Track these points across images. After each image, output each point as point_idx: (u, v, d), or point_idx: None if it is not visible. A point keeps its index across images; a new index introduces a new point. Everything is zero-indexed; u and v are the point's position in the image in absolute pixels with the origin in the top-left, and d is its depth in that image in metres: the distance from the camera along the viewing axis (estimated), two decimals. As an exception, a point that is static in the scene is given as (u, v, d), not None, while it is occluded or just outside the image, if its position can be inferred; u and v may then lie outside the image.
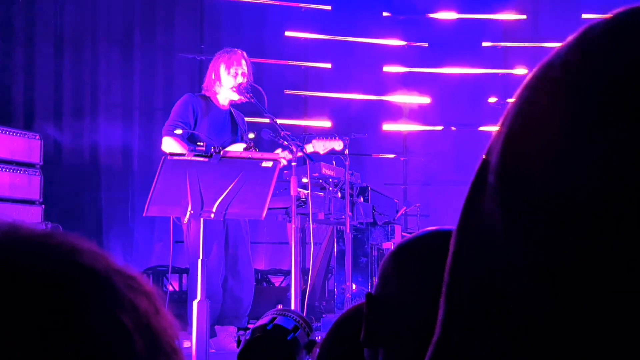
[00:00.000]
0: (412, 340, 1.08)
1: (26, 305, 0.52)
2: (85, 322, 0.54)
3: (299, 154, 4.78)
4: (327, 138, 5.30)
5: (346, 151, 5.39)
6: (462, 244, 0.55)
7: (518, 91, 0.55)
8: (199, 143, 4.85)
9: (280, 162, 3.99)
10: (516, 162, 0.52)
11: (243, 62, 5.13)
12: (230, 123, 5.19)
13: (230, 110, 5.24)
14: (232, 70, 5.08)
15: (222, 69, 5.11)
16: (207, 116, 5.08)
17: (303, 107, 9.09)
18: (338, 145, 5.28)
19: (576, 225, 0.47)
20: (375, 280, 6.24)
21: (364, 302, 1.16)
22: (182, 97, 5.19)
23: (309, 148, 5.20)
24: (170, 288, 7.62)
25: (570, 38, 0.54)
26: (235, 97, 5.15)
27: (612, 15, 0.51)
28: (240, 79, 5.06)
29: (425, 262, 1.12)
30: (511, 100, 0.57)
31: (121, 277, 0.58)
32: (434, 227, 1.23)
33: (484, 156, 0.57)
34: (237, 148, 5.04)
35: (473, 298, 0.52)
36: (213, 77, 5.15)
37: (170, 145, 4.94)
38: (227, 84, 5.10)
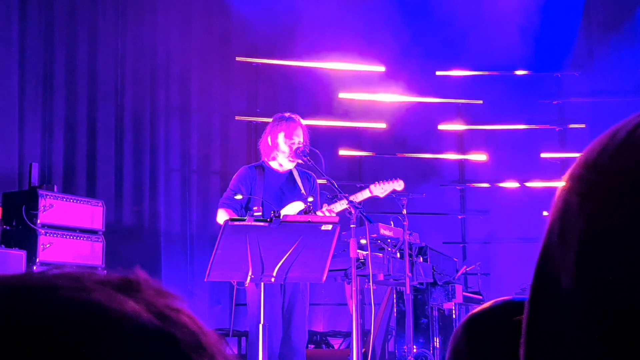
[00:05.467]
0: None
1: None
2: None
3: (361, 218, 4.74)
4: (385, 181, 5.27)
5: (404, 211, 5.37)
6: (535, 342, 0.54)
7: (560, 187, 0.54)
8: (254, 208, 4.89)
9: (339, 226, 3.98)
10: (601, 270, 0.50)
11: (300, 130, 5.16)
12: (291, 184, 5.19)
13: (292, 172, 5.24)
14: (291, 140, 5.12)
15: (281, 137, 5.13)
16: (262, 184, 5.11)
17: (357, 168, 9.12)
18: (398, 185, 5.24)
19: None
20: (437, 341, 6.13)
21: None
22: (238, 171, 5.26)
23: (366, 194, 5.17)
24: (230, 352, 7.61)
25: (601, 137, 0.53)
26: (291, 165, 5.18)
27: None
28: (296, 147, 5.10)
29: (498, 336, 1.10)
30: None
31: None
32: (505, 298, 1.20)
33: (543, 248, 0.55)
34: (294, 207, 5.04)
35: None
36: (270, 143, 5.19)
37: (223, 217, 5.01)
38: (285, 152, 5.15)
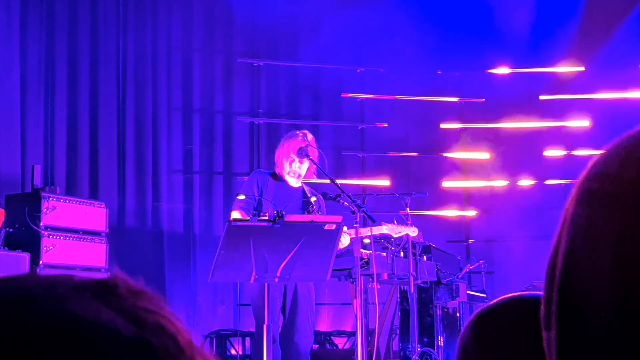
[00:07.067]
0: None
1: None
2: None
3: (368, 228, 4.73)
4: (400, 224, 5.26)
5: (408, 210, 5.35)
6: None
7: (571, 200, 0.54)
8: (261, 214, 4.90)
9: (343, 225, 3.97)
10: (576, 281, 0.51)
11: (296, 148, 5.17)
12: (300, 200, 5.19)
13: (303, 189, 5.27)
14: (288, 158, 5.16)
15: (283, 156, 5.20)
16: (272, 192, 5.13)
17: (360, 167, 9.11)
18: (412, 231, 5.22)
19: None
20: (441, 339, 6.12)
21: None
22: (251, 174, 5.31)
23: (382, 230, 5.16)
24: (234, 352, 7.60)
25: (614, 148, 0.52)
26: (293, 182, 5.20)
27: None
28: (295, 167, 5.13)
29: (507, 333, 1.09)
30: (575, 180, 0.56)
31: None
32: (512, 295, 1.20)
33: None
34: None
35: None
36: (277, 160, 5.25)
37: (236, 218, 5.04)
38: (286, 170, 5.18)
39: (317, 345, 7.80)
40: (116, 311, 0.51)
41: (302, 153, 5.09)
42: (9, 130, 7.18)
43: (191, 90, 8.63)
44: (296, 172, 5.16)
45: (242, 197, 4.99)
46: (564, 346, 0.53)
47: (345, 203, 4.92)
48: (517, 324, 1.10)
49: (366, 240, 4.81)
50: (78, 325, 0.49)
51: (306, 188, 5.27)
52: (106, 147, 7.97)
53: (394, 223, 5.33)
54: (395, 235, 5.14)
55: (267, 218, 3.94)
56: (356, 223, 4.62)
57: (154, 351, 0.50)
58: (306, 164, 5.16)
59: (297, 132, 5.31)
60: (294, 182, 5.22)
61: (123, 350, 0.49)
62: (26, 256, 5.60)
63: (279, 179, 5.22)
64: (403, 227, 5.15)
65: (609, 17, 9.17)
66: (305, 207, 5.15)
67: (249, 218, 3.96)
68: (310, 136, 5.23)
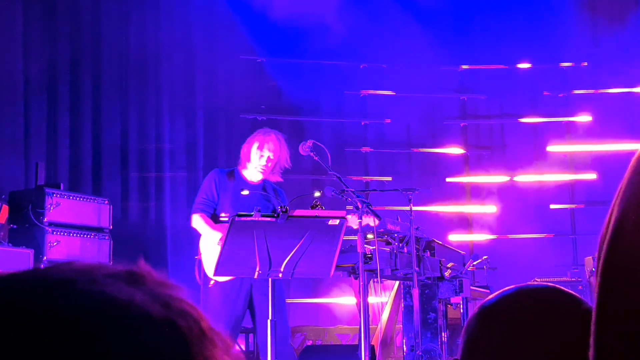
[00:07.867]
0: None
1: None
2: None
3: (368, 218, 4.71)
4: (403, 220, 5.23)
5: (411, 205, 5.35)
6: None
7: (629, 170, 0.55)
8: (222, 214, 4.89)
9: (347, 220, 3.97)
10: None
11: (272, 145, 5.14)
12: (260, 197, 5.17)
13: (264, 185, 5.26)
14: (261, 152, 5.15)
15: (254, 148, 5.18)
16: (230, 191, 5.12)
17: (363, 163, 9.11)
18: (372, 221, 5.15)
19: None
20: (445, 335, 6.12)
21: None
22: (209, 174, 5.29)
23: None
24: (237, 348, 7.62)
25: None
26: (259, 176, 5.20)
27: None
28: (264, 162, 5.12)
29: (513, 323, 1.09)
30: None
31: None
32: (517, 285, 1.20)
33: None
34: None
35: None
36: (244, 152, 5.23)
37: (197, 222, 5.06)
38: (253, 163, 5.17)
39: (320, 341, 7.81)
40: (145, 295, 0.57)
41: (305, 149, 5.08)
42: (13, 127, 7.18)
43: (194, 86, 8.63)
44: (263, 166, 5.13)
45: (245, 192, 4.99)
46: (602, 314, 0.53)
47: (349, 199, 4.92)
48: (521, 315, 1.10)
49: (369, 236, 4.80)
50: (113, 304, 0.55)
51: (270, 185, 5.26)
52: (110, 144, 7.98)
53: (397, 219, 5.34)
54: (354, 227, 5.07)
55: (226, 218, 3.94)
56: (360, 219, 4.61)
57: (181, 331, 0.56)
58: (270, 163, 5.14)
59: (269, 130, 5.29)
60: (254, 177, 5.21)
61: (153, 329, 0.55)
62: (30, 252, 5.62)
63: (236, 175, 5.21)
64: (364, 217, 5.07)
65: (613, 13, 9.15)
66: (267, 204, 5.12)
67: (249, 213, 3.95)
68: (278, 136, 5.21)
